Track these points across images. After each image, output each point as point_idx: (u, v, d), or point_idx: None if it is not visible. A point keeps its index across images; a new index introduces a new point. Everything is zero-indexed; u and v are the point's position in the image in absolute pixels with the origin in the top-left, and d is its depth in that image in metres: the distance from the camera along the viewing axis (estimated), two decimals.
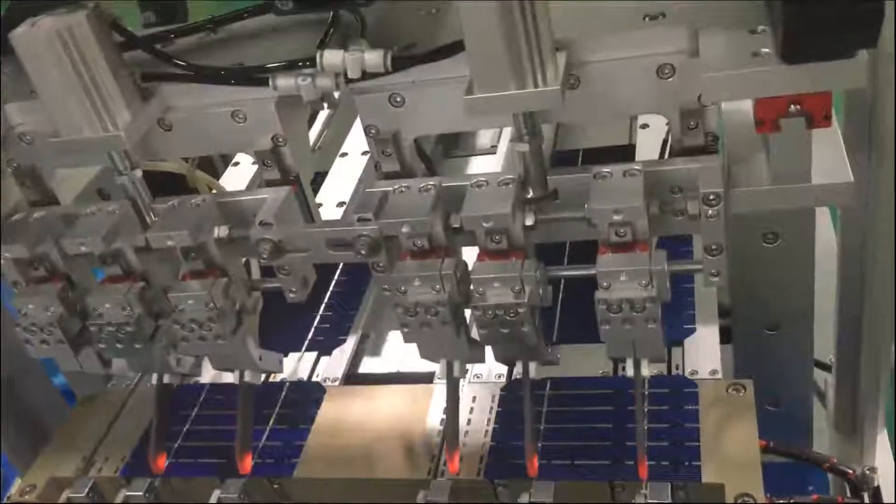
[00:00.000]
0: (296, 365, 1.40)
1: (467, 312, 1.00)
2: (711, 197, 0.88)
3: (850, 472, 1.23)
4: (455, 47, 0.89)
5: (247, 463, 1.16)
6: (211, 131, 1.03)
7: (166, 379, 1.16)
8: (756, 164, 0.96)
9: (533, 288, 0.94)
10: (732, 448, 1.07)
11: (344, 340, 1.42)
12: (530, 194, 0.95)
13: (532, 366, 1.05)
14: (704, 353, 1.24)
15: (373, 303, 1.50)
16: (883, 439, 1.39)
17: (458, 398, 1.09)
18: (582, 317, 1.18)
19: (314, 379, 1.37)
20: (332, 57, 0.92)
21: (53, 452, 1.31)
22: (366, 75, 0.93)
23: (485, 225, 0.93)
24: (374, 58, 0.92)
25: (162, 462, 1.19)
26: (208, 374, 1.39)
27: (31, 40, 0.90)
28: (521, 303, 0.93)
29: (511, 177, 0.95)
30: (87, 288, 1.09)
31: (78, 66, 0.92)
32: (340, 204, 1.42)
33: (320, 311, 1.50)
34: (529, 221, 0.94)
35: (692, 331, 1.28)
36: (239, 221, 1.03)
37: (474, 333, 1.01)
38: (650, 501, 1.03)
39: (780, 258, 1.23)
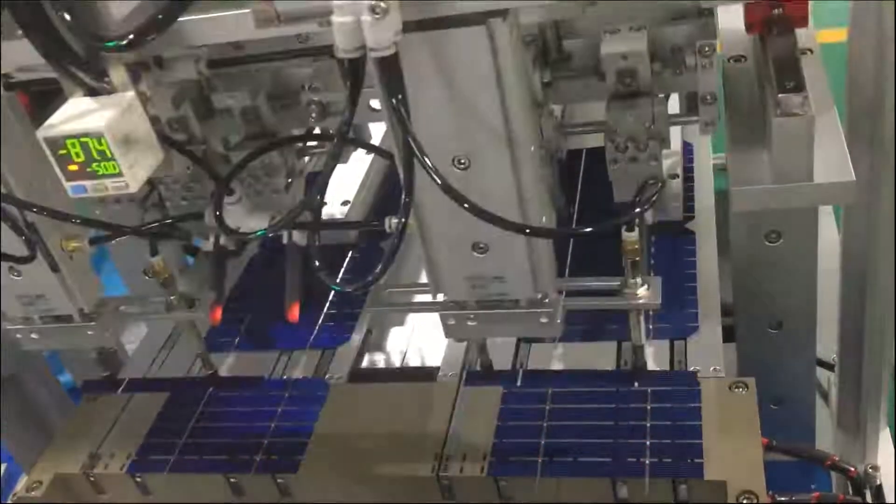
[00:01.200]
0: (302, 361, 1.41)
1: None
2: (706, 48, 0.98)
3: (852, 469, 1.23)
4: None
5: (294, 312, 1.24)
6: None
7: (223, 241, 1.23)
8: (758, 162, 0.97)
9: (550, 133, 1.04)
10: (735, 446, 1.07)
11: (349, 338, 1.43)
12: None
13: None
14: (707, 351, 1.24)
15: None
16: (885, 438, 1.40)
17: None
18: (585, 316, 1.20)
19: (319, 375, 1.37)
20: None
21: (59, 449, 1.31)
22: None
23: None
24: None
25: (218, 314, 1.24)
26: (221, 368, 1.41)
27: None
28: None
29: (530, 37, 1.02)
30: None
31: None
32: (345, 203, 1.43)
33: (325, 310, 1.50)
34: (547, 78, 1.03)
35: (695, 329, 1.28)
36: (289, 91, 1.13)
37: None
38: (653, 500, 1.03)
39: (783, 257, 1.23)
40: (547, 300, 1.01)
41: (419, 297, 1.14)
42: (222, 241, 1.22)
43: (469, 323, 1.04)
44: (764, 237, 1.22)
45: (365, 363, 1.41)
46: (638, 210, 0.98)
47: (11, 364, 1.49)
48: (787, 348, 1.32)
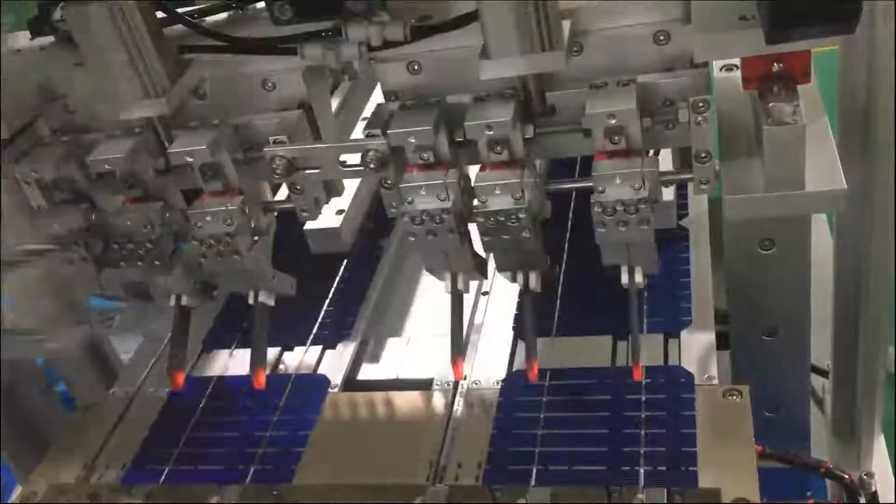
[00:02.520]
0: (300, 359, 1.42)
1: (473, 230, 1.05)
2: (700, 104, 0.94)
3: (846, 476, 1.23)
4: (469, 18, 0.96)
5: (261, 378, 1.19)
6: (242, 99, 1.10)
7: (184, 301, 1.20)
8: (751, 171, 0.97)
9: (532, 195, 0.99)
10: (729, 453, 1.08)
11: (349, 334, 1.43)
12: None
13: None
14: (701, 358, 1.24)
15: (372, 309, 1.51)
16: (880, 444, 1.40)
17: (462, 309, 1.13)
18: (581, 308, 1.20)
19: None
20: (356, 27, 0.98)
21: (54, 459, 1.31)
22: (386, 44, 0.99)
23: (487, 133, 0.98)
24: (394, 28, 0.98)
25: (181, 379, 1.21)
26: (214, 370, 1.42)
27: (83, 15, 0.98)
28: (521, 208, 0.98)
29: (510, 90, 1.00)
30: (110, 210, 1.13)
31: (125, 38, 0.99)
32: (340, 212, 1.43)
33: (323, 307, 1.51)
34: (529, 133, 0.99)
35: (688, 322, 1.29)
36: (253, 144, 1.10)
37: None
38: None
39: (777, 264, 1.23)
40: None
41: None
42: (184, 301, 1.20)
43: None
44: (757, 245, 1.22)
45: (360, 373, 1.41)
46: None
47: (6, 373, 1.49)
48: (782, 356, 1.33)
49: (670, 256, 1.39)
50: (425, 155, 1.01)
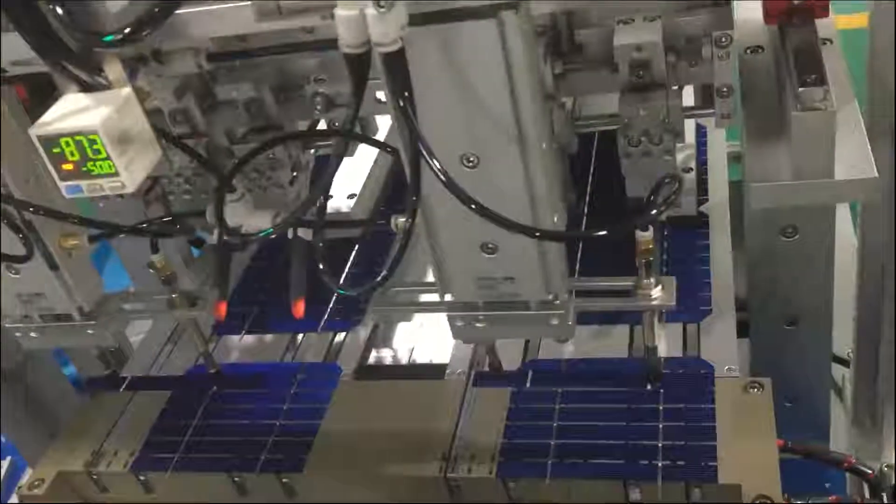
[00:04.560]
0: (311, 346, 1.41)
1: None
2: (723, 39, 0.96)
3: (870, 472, 1.21)
4: None
5: (299, 308, 1.18)
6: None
7: None
8: (776, 157, 0.94)
9: (561, 128, 1.01)
10: (750, 448, 1.06)
11: (360, 321, 1.41)
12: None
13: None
14: (721, 350, 1.22)
15: None
16: None
17: None
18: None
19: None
20: None
21: (62, 446, 1.31)
22: None
23: None
24: None
25: (223, 308, 1.19)
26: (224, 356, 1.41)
27: None
28: None
29: (540, 25, 0.99)
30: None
31: None
32: (351, 196, 1.41)
33: (335, 294, 1.48)
34: (558, 69, 1.00)
35: (708, 312, 1.26)
36: (293, 84, 1.11)
37: None
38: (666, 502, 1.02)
39: (799, 253, 1.20)
40: (558, 301, 0.99)
41: (426, 297, 1.11)
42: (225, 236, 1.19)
43: (477, 325, 1.02)
44: (780, 232, 1.19)
45: (372, 359, 1.39)
46: (655, 212, 0.95)
47: (16, 356, 1.48)
48: (803, 345, 1.30)
49: (690, 243, 1.36)
50: None
